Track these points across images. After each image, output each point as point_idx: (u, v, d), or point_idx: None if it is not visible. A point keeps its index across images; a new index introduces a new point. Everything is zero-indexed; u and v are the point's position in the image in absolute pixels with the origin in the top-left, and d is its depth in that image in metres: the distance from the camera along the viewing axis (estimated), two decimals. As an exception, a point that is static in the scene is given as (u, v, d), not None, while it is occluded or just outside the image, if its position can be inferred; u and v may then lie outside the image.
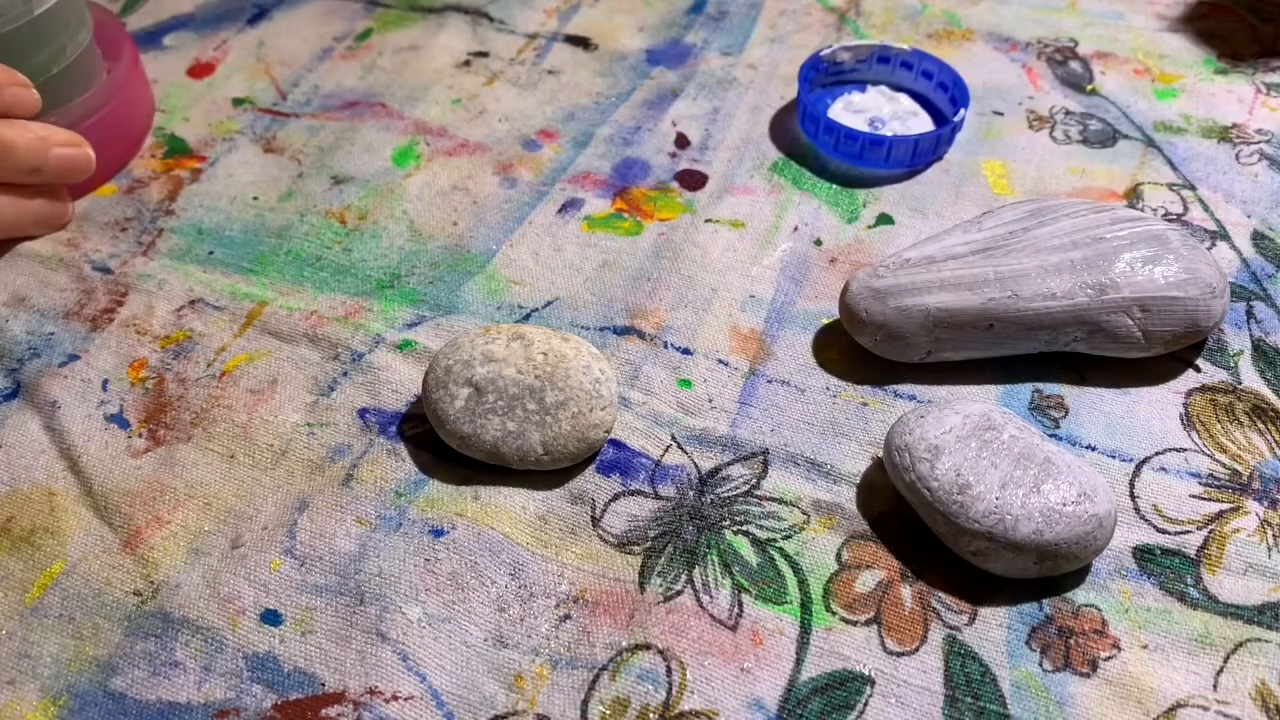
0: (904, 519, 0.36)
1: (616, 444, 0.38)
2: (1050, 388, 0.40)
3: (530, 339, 0.37)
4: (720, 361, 0.41)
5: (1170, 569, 0.35)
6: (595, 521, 0.36)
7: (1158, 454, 0.38)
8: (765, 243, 0.46)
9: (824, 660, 0.33)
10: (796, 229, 0.46)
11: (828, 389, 0.40)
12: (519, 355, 0.37)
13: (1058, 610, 0.34)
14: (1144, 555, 0.35)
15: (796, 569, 0.35)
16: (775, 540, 0.36)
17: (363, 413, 0.39)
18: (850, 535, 0.36)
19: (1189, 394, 0.40)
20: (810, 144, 0.50)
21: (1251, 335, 0.41)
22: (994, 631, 0.33)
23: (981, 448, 0.35)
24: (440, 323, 0.43)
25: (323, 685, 0.32)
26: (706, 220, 0.47)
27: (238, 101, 0.53)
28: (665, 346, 0.42)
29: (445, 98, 0.53)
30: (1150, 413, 0.39)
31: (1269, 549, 0.35)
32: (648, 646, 0.33)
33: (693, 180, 0.49)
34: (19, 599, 0.34)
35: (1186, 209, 0.47)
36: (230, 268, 0.45)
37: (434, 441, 0.38)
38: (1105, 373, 0.40)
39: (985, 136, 0.51)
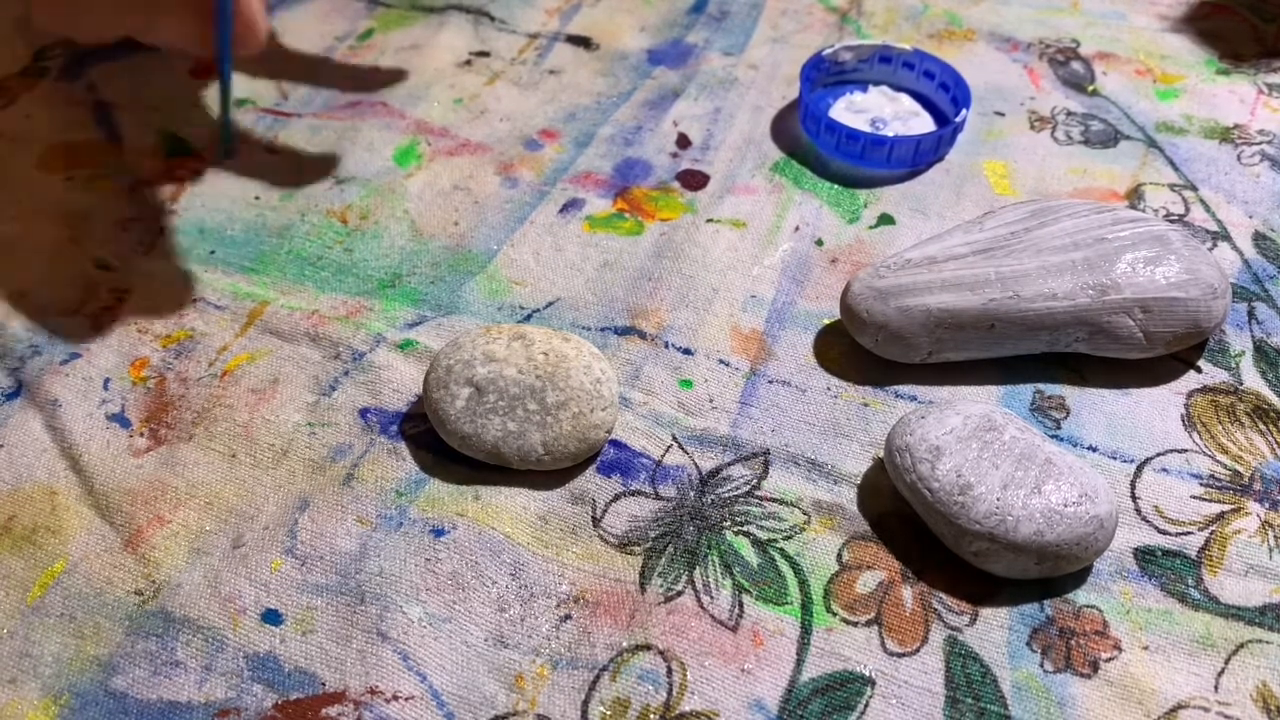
0: (905, 520, 0.36)
1: (617, 444, 0.38)
2: (1051, 388, 0.40)
3: (531, 339, 0.37)
4: (721, 362, 0.41)
5: (1171, 570, 0.35)
6: (596, 522, 0.36)
7: (1159, 455, 0.38)
8: (766, 243, 0.46)
9: (824, 661, 0.33)
10: (798, 229, 0.46)
11: (829, 389, 0.40)
12: (520, 355, 0.37)
13: (1059, 611, 0.34)
14: (1145, 556, 0.35)
15: (797, 569, 0.35)
16: (776, 541, 0.36)
17: (364, 412, 0.39)
18: (851, 536, 0.36)
19: (1190, 395, 0.40)
20: (812, 144, 0.50)
21: (1253, 336, 0.41)
22: (995, 632, 0.33)
23: (983, 448, 0.35)
24: (441, 322, 0.43)
25: (323, 685, 0.32)
26: (708, 220, 0.47)
27: (240, 102, 0.53)
28: (666, 346, 0.42)
29: (446, 97, 0.53)
30: (1151, 414, 0.39)
31: (1270, 550, 0.35)
32: (648, 647, 0.33)
33: (694, 180, 0.49)
34: (20, 598, 0.34)
35: (1188, 210, 0.47)
36: (231, 267, 0.45)
37: (435, 441, 0.38)
38: (1106, 373, 0.40)
39: (987, 137, 0.51)
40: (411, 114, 0.52)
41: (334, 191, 0.48)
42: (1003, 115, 0.52)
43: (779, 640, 0.33)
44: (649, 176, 0.49)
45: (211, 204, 0.48)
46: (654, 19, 0.58)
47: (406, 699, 0.32)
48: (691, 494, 0.37)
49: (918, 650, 0.33)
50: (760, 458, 0.38)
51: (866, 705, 0.32)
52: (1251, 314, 0.42)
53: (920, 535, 0.35)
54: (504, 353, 0.37)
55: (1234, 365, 0.40)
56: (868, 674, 0.32)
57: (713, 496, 0.37)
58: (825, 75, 0.53)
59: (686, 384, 0.40)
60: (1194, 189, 0.47)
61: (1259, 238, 0.45)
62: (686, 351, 0.41)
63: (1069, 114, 0.52)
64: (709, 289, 0.44)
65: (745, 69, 0.55)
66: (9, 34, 0.57)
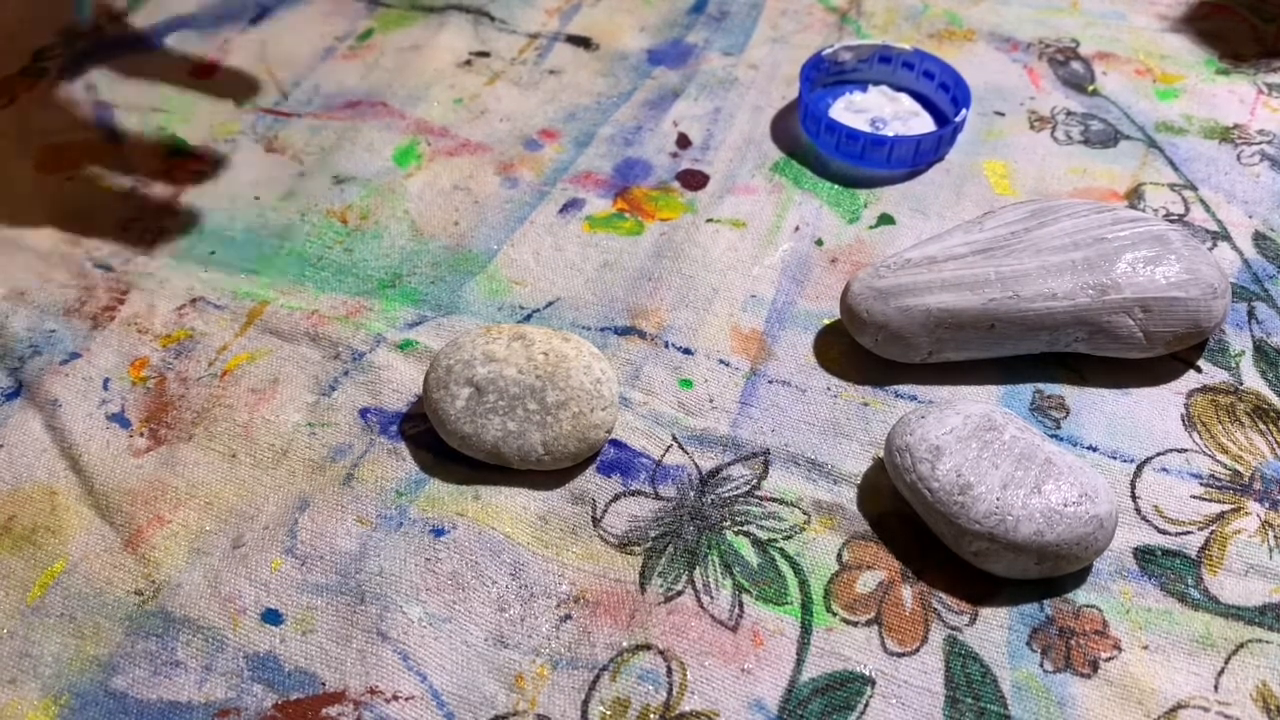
0: (905, 519, 0.36)
1: (617, 444, 0.38)
2: (1051, 388, 0.40)
3: (531, 339, 0.37)
4: (721, 361, 0.41)
5: (1171, 570, 0.35)
6: (596, 522, 0.36)
7: (1159, 455, 0.38)
8: (766, 243, 0.46)
9: (824, 661, 0.33)
10: (798, 229, 0.46)
11: (829, 389, 0.40)
12: (520, 355, 0.37)
13: (1059, 611, 0.34)
14: (1145, 556, 0.35)
15: (797, 569, 0.35)
16: (776, 541, 0.36)
17: (364, 412, 0.39)
18: (851, 536, 0.36)
19: (1190, 394, 0.40)
20: (811, 144, 0.50)
21: (1253, 336, 0.41)
22: (995, 632, 0.33)
23: (982, 448, 0.35)
24: (441, 322, 0.43)
25: (323, 685, 0.32)
26: (708, 220, 0.47)
27: (240, 102, 0.53)
28: (666, 347, 0.42)
29: (447, 97, 0.53)
30: (1151, 413, 0.39)
31: (1270, 550, 0.35)
32: (648, 647, 0.33)
33: (694, 180, 0.49)
34: (20, 598, 0.34)
35: (1188, 209, 0.47)
36: (232, 267, 0.45)
37: (435, 441, 0.38)
38: (1106, 373, 0.40)
39: (986, 137, 0.51)
40: (411, 114, 0.52)
41: (334, 191, 0.48)
42: (1003, 115, 0.52)
43: (779, 640, 0.33)
44: (649, 176, 0.49)
45: (212, 204, 0.48)
46: (654, 19, 0.58)
47: (406, 699, 0.32)
48: (691, 494, 0.37)
49: (918, 650, 0.33)
50: (760, 458, 0.38)
51: (866, 705, 0.32)
52: (1251, 314, 0.42)
53: (920, 535, 0.35)
54: (504, 353, 0.37)
55: (1234, 365, 0.40)
56: (868, 674, 0.32)
57: (713, 496, 0.37)
58: (825, 75, 0.53)
59: (686, 384, 0.40)
60: (1194, 189, 0.47)
61: (1259, 238, 0.45)
62: (686, 351, 0.41)
63: (1069, 114, 0.52)
64: (709, 289, 0.44)
65: (745, 69, 0.55)
66: (9, 34, 0.57)
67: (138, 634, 0.34)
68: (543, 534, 0.36)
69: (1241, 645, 0.33)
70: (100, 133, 0.52)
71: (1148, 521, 0.36)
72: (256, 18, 0.59)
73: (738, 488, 0.37)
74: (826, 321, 0.42)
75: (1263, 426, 0.38)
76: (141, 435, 0.39)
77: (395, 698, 0.32)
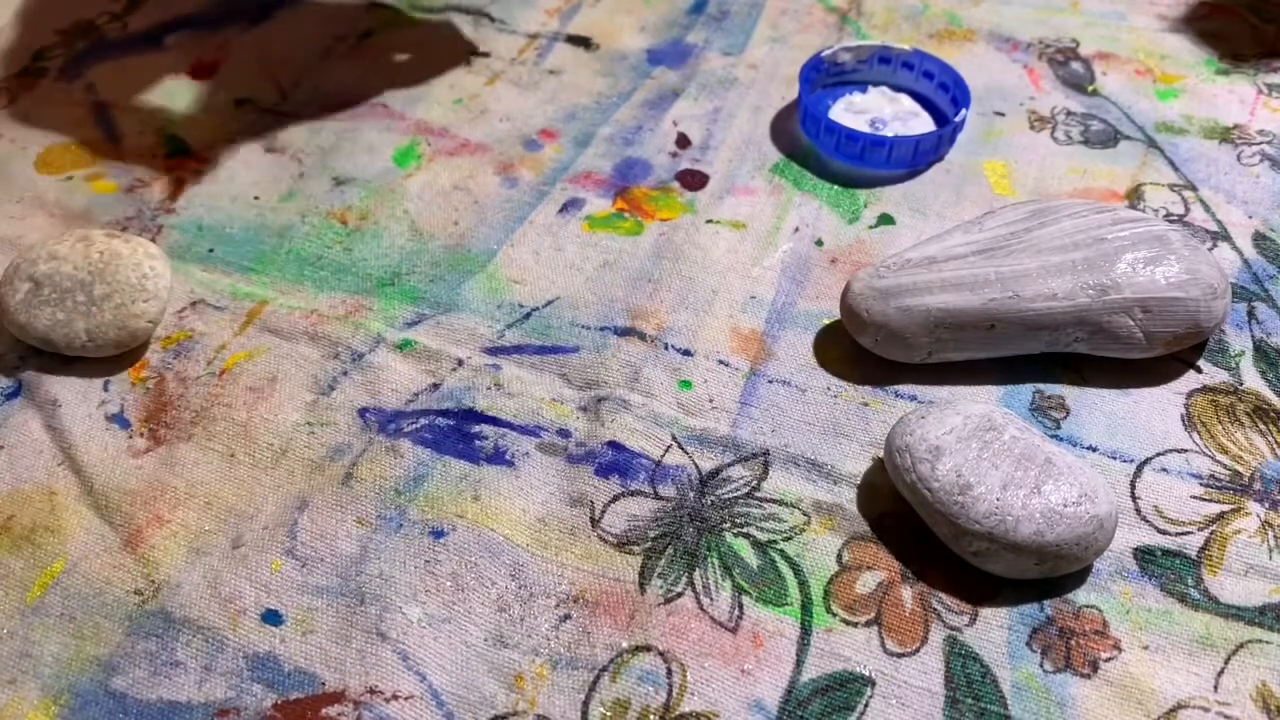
0: (905, 520, 0.36)
1: (616, 445, 0.38)
2: (1051, 388, 0.40)
3: (93, 240, 0.41)
4: (721, 362, 0.41)
5: (1171, 570, 0.35)
6: (595, 523, 0.36)
7: (1159, 455, 0.38)
8: (766, 244, 0.46)
9: (824, 661, 0.33)
10: (797, 230, 0.46)
11: (828, 389, 0.40)
12: (79, 254, 0.40)
13: (1059, 611, 0.34)
14: (1145, 556, 0.35)
15: (797, 570, 0.35)
16: (776, 542, 0.36)
17: (362, 411, 0.39)
18: (851, 536, 0.36)
19: (1190, 395, 0.40)
20: (811, 145, 0.50)
21: (1253, 336, 0.41)
22: (995, 632, 0.33)
23: (982, 448, 0.35)
24: (440, 320, 0.43)
25: (323, 685, 0.32)
26: (708, 221, 0.47)
27: (239, 101, 0.53)
28: (666, 348, 0.41)
29: (447, 98, 0.53)
30: (1151, 413, 0.39)
31: (1270, 550, 0.35)
32: (648, 648, 0.33)
33: (694, 180, 0.49)
34: (20, 598, 0.34)
35: (1188, 210, 0.47)
36: (231, 266, 0.45)
37: (434, 440, 0.38)
38: (1106, 373, 0.40)
39: (986, 137, 0.51)
40: (411, 115, 0.52)
41: (334, 193, 0.48)
42: (1003, 115, 0.52)
43: (779, 641, 0.33)
44: (649, 176, 0.49)
45: (211, 203, 0.48)
46: (654, 19, 0.58)
47: (406, 698, 0.32)
48: (691, 494, 0.37)
49: (918, 650, 0.33)
50: (760, 458, 0.38)
51: (866, 705, 0.32)
52: (1251, 314, 0.42)
53: (920, 535, 0.35)
54: (66, 252, 0.40)
55: (1234, 365, 0.40)
56: (868, 674, 0.32)
57: (712, 498, 0.37)
58: (824, 76, 0.52)
59: (686, 385, 0.40)
60: (1194, 189, 0.47)
61: (1259, 238, 0.45)
62: (686, 353, 0.41)
63: (1069, 114, 0.52)
64: (709, 290, 0.44)
65: (745, 69, 0.55)
66: (9, 31, 0.57)
67: (137, 634, 0.34)
68: (541, 535, 0.36)
69: (1241, 645, 0.33)
70: (100, 133, 0.52)
71: (1148, 522, 0.36)
72: (256, 18, 0.59)
73: (737, 489, 0.37)
74: (826, 321, 0.42)
75: (1263, 426, 0.38)
76: (141, 435, 0.39)
77: (395, 697, 0.32)
